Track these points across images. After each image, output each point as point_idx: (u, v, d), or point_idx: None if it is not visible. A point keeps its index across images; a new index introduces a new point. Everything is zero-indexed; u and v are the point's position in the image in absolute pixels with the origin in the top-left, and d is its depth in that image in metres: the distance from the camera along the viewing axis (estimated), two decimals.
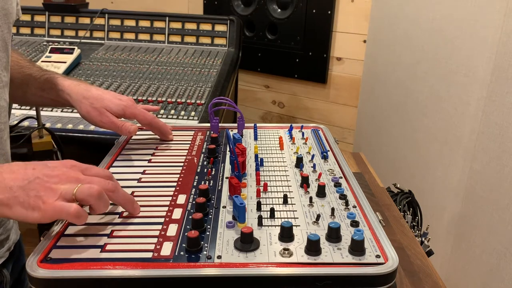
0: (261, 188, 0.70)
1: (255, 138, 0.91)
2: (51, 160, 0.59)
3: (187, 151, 0.84)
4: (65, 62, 1.55)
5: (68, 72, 1.55)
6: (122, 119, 0.86)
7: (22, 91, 0.83)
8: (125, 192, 0.61)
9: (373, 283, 0.52)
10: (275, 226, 0.60)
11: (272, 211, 0.63)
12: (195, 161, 0.80)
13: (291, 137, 0.92)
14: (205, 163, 0.79)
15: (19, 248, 0.82)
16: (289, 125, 0.97)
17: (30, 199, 0.53)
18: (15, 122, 1.19)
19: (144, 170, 0.76)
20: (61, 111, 1.30)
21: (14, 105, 1.27)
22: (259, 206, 0.64)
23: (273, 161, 0.80)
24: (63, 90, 0.82)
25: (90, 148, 1.19)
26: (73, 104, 0.83)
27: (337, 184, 0.72)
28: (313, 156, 0.82)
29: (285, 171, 0.77)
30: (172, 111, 1.32)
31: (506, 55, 1.14)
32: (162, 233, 0.58)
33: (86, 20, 1.88)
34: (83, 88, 0.83)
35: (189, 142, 0.89)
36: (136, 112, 0.85)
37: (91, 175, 0.59)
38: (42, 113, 1.16)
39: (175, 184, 0.71)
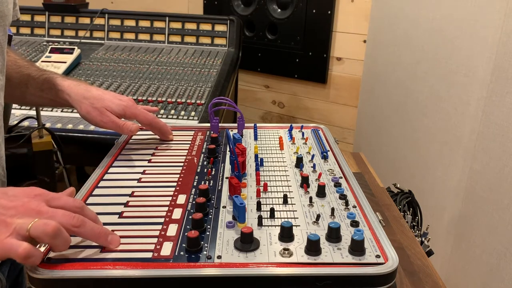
0: (261, 188, 0.70)
1: (255, 138, 0.91)
2: (13, 187, 0.53)
3: (187, 151, 0.84)
4: (65, 62, 1.55)
5: (68, 72, 1.55)
6: (122, 119, 0.85)
7: (21, 91, 0.82)
8: (94, 225, 0.54)
9: (373, 283, 0.52)
10: (275, 226, 0.60)
11: (272, 211, 0.63)
12: (195, 161, 0.80)
13: (291, 137, 0.92)
14: (205, 163, 0.79)
15: None
16: (289, 125, 0.97)
17: None
18: (15, 122, 1.19)
19: (144, 170, 0.76)
20: (61, 111, 1.30)
21: (14, 105, 1.27)
22: (259, 206, 0.64)
23: (273, 161, 0.80)
24: (63, 90, 0.82)
25: (90, 148, 1.19)
26: (73, 104, 0.83)
27: (337, 184, 0.72)
28: (313, 156, 0.82)
29: (285, 171, 0.77)
30: (172, 111, 1.32)
31: (506, 55, 1.14)
32: (162, 233, 0.58)
33: (86, 20, 1.88)
34: (83, 88, 0.83)
35: (189, 142, 0.89)
36: (136, 112, 0.85)
37: (57, 207, 0.52)
38: (42, 113, 1.16)
39: (175, 184, 0.71)
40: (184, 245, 0.55)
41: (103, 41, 1.86)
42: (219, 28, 1.85)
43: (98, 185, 0.70)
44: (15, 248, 0.46)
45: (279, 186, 0.71)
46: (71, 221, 0.51)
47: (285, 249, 0.55)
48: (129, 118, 0.85)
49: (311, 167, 0.78)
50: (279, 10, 2.24)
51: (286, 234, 0.57)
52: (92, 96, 0.82)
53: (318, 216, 0.62)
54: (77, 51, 1.62)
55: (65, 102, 0.84)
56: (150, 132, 0.90)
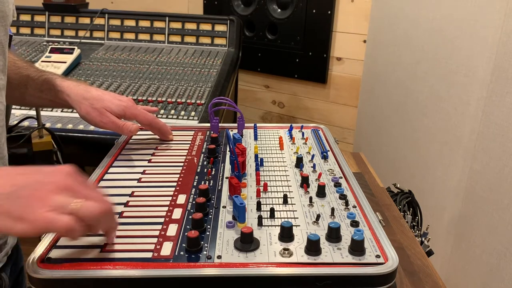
0: (261, 188, 0.70)
1: (255, 138, 0.91)
2: (47, 166, 0.53)
3: (187, 151, 0.84)
4: (65, 62, 1.55)
5: (68, 72, 1.55)
6: (122, 119, 0.85)
7: (20, 92, 0.82)
8: (116, 218, 0.56)
9: (373, 283, 0.52)
10: (275, 226, 0.60)
11: (272, 211, 0.63)
12: (195, 161, 0.80)
13: (291, 137, 0.92)
14: (205, 163, 0.79)
15: (16, 251, 0.82)
16: (289, 125, 0.97)
17: (16, 209, 0.47)
18: (15, 122, 1.19)
19: (144, 170, 0.76)
20: (61, 111, 1.30)
21: (14, 105, 1.27)
22: (259, 206, 0.64)
23: (273, 161, 0.80)
24: (62, 91, 0.82)
25: (90, 148, 1.19)
26: (73, 104, 0.83)
27: (337, 184, 0.72)
28: (313, 156, 0.82)
29: (285, 171, 0.77)
30: (172, 111, 1.32)
31: (506, 55, 1.14)
32: (162, 233, 0.58)
33: (86, 20, 1.88)
34: (82, 88, 0.83)
35: (189, 142, 0.89)
36: (136, 113, 0.85)
37: (89, 189, 0.52)
38: (42, 113, 1.16)
39: (175, 184, 0.71)
40: (184, 245, 0.55)
41: (103, 41, 1.86)
42: (219, 28, 1.84)
43: (98, 185, 0.70)
44: (57, 221, 0.47)
45: (279, 186, 0.71)
46: (107, 206, 0.52)
47: (285, 249, 0.55)
48: (129, 118, 0.85)
49: (311, 167, 0.78)
50: (279, 10, 2.24)
51: (286, 234, 0.57)
52: (92, 97, 0.82)
53: (318, 216, 0.62)
54: (77, 51, 1.62)
55: (64, 103, 0.84)
56: (150, 132, 0.90)
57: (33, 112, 1.18)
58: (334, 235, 0.57)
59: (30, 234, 0.47)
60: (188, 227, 0.59)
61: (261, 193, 0.69)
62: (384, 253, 0.55)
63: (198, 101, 1.38)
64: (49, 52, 1.61)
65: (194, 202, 0.65)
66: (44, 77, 0.83)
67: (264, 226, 0.60)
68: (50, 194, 0.48)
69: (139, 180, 0.73)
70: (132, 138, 0.90)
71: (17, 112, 1.27)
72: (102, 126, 0.83)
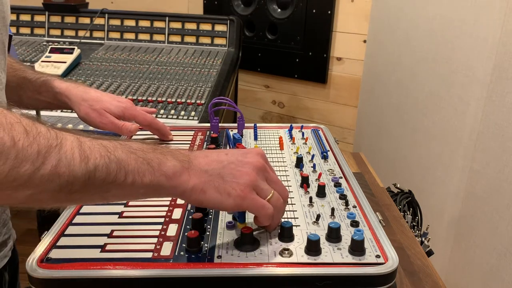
0: None
1: (255, 138, 0.91)
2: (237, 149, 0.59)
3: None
4: (65, 62, 1.55)
5: (68, 72, 1.55)
6: (121, 120, 0.86)
7: (18, 95, 0.83)
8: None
9: (373, 283, 0.52)
10: None
11: None
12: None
13: (291, 137, 0.92)
14: None
15: (14, 248, 0.83)
16: (289, 125, 0.97)
17: (226, 184, 0.51)
18: None
19: None
20: (61, 111, 1.29)
21: None
22: None
23: (273, 161, 0.80)
24: (61, 92, 0.82)
25: None
26: (72, 106, 0.83)
27: (337, 184, 0.71)
28: (313, 156, 0.82)
29: (285, 171, 0.77)
30: (172, 111, 1.32)
31: (506, 55, 1.14)
32: (162, 233, 0.58)
33: (86, 20, 1.88)
34: (81, 90, 0.83)
35: (189, 142, 0.89)
36: (135, 114, 0.85)
37: (273, 172, 0.58)
38: (42, 113, 1.16)
39: None
40: (184, 245, 0.55)
41: (103, 41, 1.86)
42: (219, 28, 1.84)
43: None
44: (267, 208, 0.53)
45: None
46: (287, 197, 0.58)
47: (285, 249, 0.55)
48: (128, 119, 0.85)
49: (311, 167, 0.78)
50: (279, 10, 2.24)
51: (286, 234, 0.57)
52: (91, 98, 0.83)
53: (318, 216, 0.62)
54: (77, 51, 1.62)
55: (63, 104, 0.84)
56: (150, 132, 0.90)
57: (33, 112, 1.18)
58: (334, 235, 0.57)
59: (237, 209, 0.53)
60: (188, 227, 0.59)
61: None
62: (384, 253, 0.55)
63: (198, 101, 1.38)
64: (49, 52, 1.61)
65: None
66: (42, 79, 0.83)
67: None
68: (253, 172, 0.53)
69: None
70: (132, 138, 0.90)
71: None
72: (102, 127, 0.83)
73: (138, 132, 0.92)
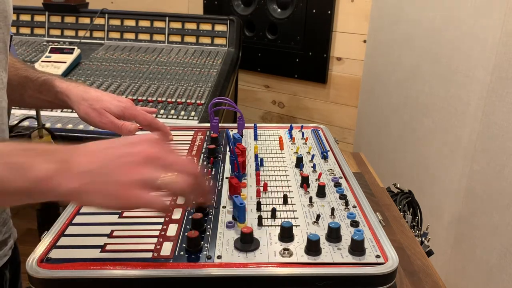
0: (261, 188, 0.70)
1: (255, 138, 0.91)
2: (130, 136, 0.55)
3: (187, 151, 0.84)
4: (65, 62, 1.55)
5: (68, 72, 1.55)
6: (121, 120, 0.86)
7: (19, 94, 0.83)
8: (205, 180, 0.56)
9: (373, 283, 0.52)
10: (275, 226, 0.60)
11: (273, 211, 0.63)
12: (195, 161, 0.80)
13: (291, 137, 0.92)
14: (205, 163, 0.79)
15: (15, 247, 0.83)
16: (289, 125, 0.97)
17: (109, 186, 0.47)
18: (15, 122, 1.19)
19: None
20: (61, 111, 1.30)
21: (14, 106, 1.27)
22: (259, 206, 0.64)
23: (273, 161, 0.80)
24: (62, 91, 0.83)
25: None
26: (72, 105, 0.83)
27: (337, 184, 0.71)
28: (313, 156, 0.82)
29: (285, 171, 0.77)
30: (172, 111, 1.32)
31: (506, 55, 1.14)
32: (162, 233, 0.58)
33: (86, 20, 1.88)
34: (81, 89, 0.84)
35: (189, 142, 0.89)
36: (135, 113, 0.85)
37: (176, 156, 0.52)
38: (42, 113, 1.16)
39: None
40: (184, 245, 0.55)
41: (103, 41, 1.86)
42: (219, 28, 1.84)
43: None
44: (155, 202, 0.48)
45: (279, 186, 0.71)
46: (197, 174, 0.51)
47: (285, 249, 0.55)
48: (128, 119, 0.86)
49: (311, 167, 0.78)
50: (279, 10, 2.24)
51: (286, 234, 0.57)
52: (91, 98, 0.83)
53: (318, 216, 0.62)
54: (77, 51, 1.62)
55: (64, 104, 0.84)
56: (150, 132, 0.91)
57: (33, 112, 1.18)
58: (334, 235, 0.57)
59: (124, 209, 0.49)
60: (188, 227, 0.59)
61: (261, 193, 0.69)
62: (384, 253, 0.55)
63: (198, 101, 1.38)
64: (49, 52, 1.61)
65: (194, 202, 0.65)
66: (43, 78, 0.83)
67: (264, 226, 0.60)
68: (140, 167, 0.48)
69: None
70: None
71: (17, 112, 1.27)
72: (101, 126, 0.83)
73: (138, 132, 0.92)
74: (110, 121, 0.83)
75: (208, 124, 0.96)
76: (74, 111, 0.85)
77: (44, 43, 1.83)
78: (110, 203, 0.47)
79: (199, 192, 0.53)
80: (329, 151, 0.85)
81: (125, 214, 0.63)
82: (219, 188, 0.70)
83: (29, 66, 0.86)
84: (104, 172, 0.47)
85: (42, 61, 1.56)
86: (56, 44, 1.81)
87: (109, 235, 0.57)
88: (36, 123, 1.15)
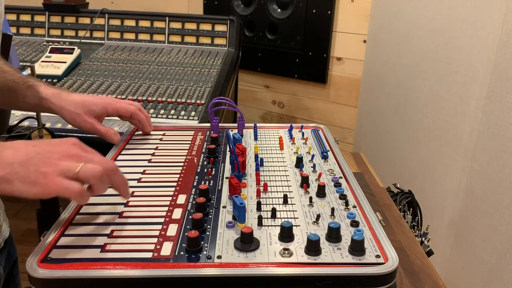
0: (261, 188, 0.70)
1: (255, 138, 0.91)
2: (54, 138, 0.63)
3: (187, 151, 0.84)
4: (65, 62, 1.55)
5: (68, 72, 1.55)
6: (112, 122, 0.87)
7: (4, 97, 0.84)
8: (122, 175, 0.62)
9: (373, 283, 0.52)
10: (275, 226, 0.60)
11: (273, 211, 0.63)
12: (195, 161, 0.80)
13: (291, 137, 0.92)
14: (205, 163, 0.79)
15: (10, 244, 0.84)
16: (289, 125, 0.97)
17: (30, 174, 0.54)
18: (15, 122, 1.19)
19: (144, 170, 0.76)
20: None
21: None
22: (259, 206, 0.64)
23: (273, 161, 0.80)
24: (47, 98, 0.84)
25: None
26: (57, 111, 0.85)
27: (337, 184, 0.72)
28: (313, 156, 0.82)
29: (285, 171, 0.77)
30: (172, 111, 1.32)
31: (506, 55, 1.14)
32: (162, 233, 0.58)
33: (86, 20, 1.88)
34: (64, 96, 0.86)
35: (189, 142, 0.89)
36: (117, 107, 0.87)
37: (92, 155, 0.60)
38: (42, 113, 1.16)
39: (175, 184, 0.71)
40: (184, 245, 0.55)
41: (103, 41, 1.86)
42: (219, 28, 1.85)
43: None
44: (71, 188, 0.54)
45: (279, 186, 0.71)
46: (108, 165, 0.59)
47: (285, 249, 0.55)
48: (112, 114, 0.87)
49: (311, 167, 0.78)
50: (279, 10, 2.24)
51: (286, 234, 0.57)
52: (74, 103, 0.84)
53: (318, 216, 0.62)
54: (77, 51, 1.62)
55: (48, 110, 0.86)
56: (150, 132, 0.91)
57: (33, 112, 1.18)
58: (334, 235, 0.57)
59: (43, 196, 0.54)
60: (188, 227, 0.59)
61: (261, 193, 0.69)
62: (384, 253, 0.55)
63: (198, 101, 1.38)
64: (49, 52, 1.61)
65: (194, 202, 0.65)
66: (29, 83, 0.84)
67: (264, 226, 0.60)
68: (59, 161, 0.55)
69: (139, 180, 0.73)
70: (132, 138, 0.90)
71: (17, 112, 1.27)
72: (87, 131, 0.85)
73: (139, 132, 0.93)
74: (93, 128, 0.85)
75: (208, 124, 0.96)
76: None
77: (44, 43, 1.83)
78: (31, 190, 0.53)
79: (114, 183, 0.60)
80: (329, 151, 0.85)
81: (125, 214, 0.63)
82: (219, 188, 0.70)
83: (16, 70, 0.87)
84: (26, 164, 0.54)
85: (42, 61, 1.56)
86: (56, 44, 1.81)
87: (109, 235, 0.57)
88: (36, 123, 1.15)
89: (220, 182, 0.72)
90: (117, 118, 0.90)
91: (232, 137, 0.84)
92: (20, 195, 0.54)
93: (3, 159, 0.54)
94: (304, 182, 0.71)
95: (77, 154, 0.58)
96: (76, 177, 0.55)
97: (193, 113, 1.31)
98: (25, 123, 1.19)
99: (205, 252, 0.54)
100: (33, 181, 0.53)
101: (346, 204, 0.66)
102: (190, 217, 0.60)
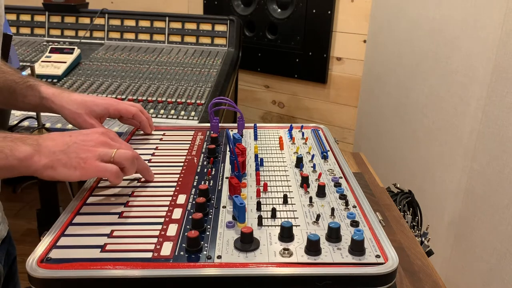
0: (261, 188, 0.70)
1: (255, 138, 0.91)
2: (83, 129, 0.70)
3: (187, 151, 0.84)
4: (65, 62, 1.55)
5: (68, 72, 1.55)
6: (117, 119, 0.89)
7: (3, 97, 0.84)
8: (144, 161, 0.70)
9: (373, 283, 0.52)
10: (275, 226, 0.60)
11: (273, 211, 0.63)
12: (195, 161, 0.80)
13: (291, 137, 0.92)
14: (205, 163, 0.79)
15: (8, 242, 0.84)
16: (289, 125, 0.97)
17: (71, 160, 0.61)
18: (15, 122, 1.19)
19: None
20: None
21: None
22: (259, 206, 0.64)
23: (273, 161, 0.80)
24: (47, 98, 0.84)
25: None
26: (58, 111, 0.85)
27: (337, 184, 0.71)
28: (313, 156, 0.82)
29: (285, 171, 0.77)
30: (172, 111, 1.32)
31: (506, 55, 1.14)
32: (162, 233, 0.58)
33: (86, 20, 1.88)
34: (66, 96, 0.85)
35: (189, 142, 0.89)
36: (119, 108, 0.87)
37: (119, 142, 0.68)
38: (42, 113, 1.16)
39: (175, 184, 0.71)
40: (184, 245, 0.55)
41: (103, 41, 1.86)
42: (219, 28, 1.85)
43: (98, 185, 0.70)
44: (110, 169, 0.63)
45: (279, 186, 0.71)
46: (134, 153, 0.67)
47: (285, 249, 0.55)
48: (114, 115, 0.88)
49: (311, 167, 0.78)
50: (279, 10, 2.24)
51: (286, 234, 0.57)
52: (75, 103, 0.84)
53: (318, 216, 0.62)
54: (77, 51, 1.62)
55: (49, 109, 0.86)
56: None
57: (33, 112, 1.18)
58: (334, 235, 0.57)
59: (84, 178, 0.62)
60: (188, 227, 0.59)
61: (261, 193, 0.69)
62: (384, 253, 0.55)
63: (198, 101, 1.38)
64: (49, 52, 1.61)
65: (194, 202, 0.65)
66: (29, 83, 0.84)
67: (264, 226, 0.60)
68: (94, 147, 0.64)
69: (139, 180, 0.73)
70: (132, 138, 0.90)
71: (17, 112, 1.27)
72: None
73: (138, 132, 0.93)
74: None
75: (208, 124, 0.96)
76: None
77: (44, 43, 1.83)
78: (73, 173, 0.61)
79: (139, 167, 0.68)
80: (329, 151, 0.85)
81: (125, 214, 0.63)
82: (219, 188, 0.70)
83: (16, 70, 0.87)
84: (67, 151, 0.62)
85: (42, 61, 1.56)
86: (56, 44, 1.81)
87: (109, 235, 0.57)
88: (36, 123, 1.15)
89: (220, 182, 0.72)
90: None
91: (232, 137, 0.84)
92: (64, 179, 0.62)
93: (46, 149, 0.61)
94: (304, 182, 0.71)
95: (107, 141, 0.66)
96: (111, 161, 0.63)
97: (193, 113, 1.31)
98: (25, 123, 1.19)
99: (205, 252, 0.54)
100: (75, 166, 0.61)
101: (346, 204, 0.66)
102: (190, 217, 0.60)
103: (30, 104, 0.85)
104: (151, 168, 0.77)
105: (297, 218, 0.62)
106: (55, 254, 0.54)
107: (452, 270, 1.41)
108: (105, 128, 0.69)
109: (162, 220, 0.61)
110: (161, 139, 0.90)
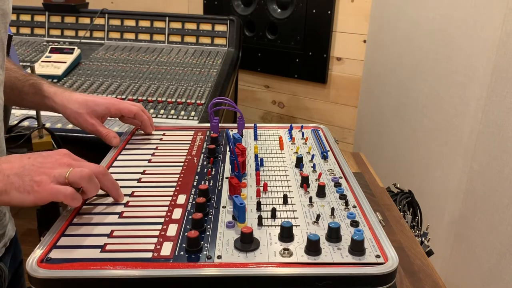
0: (261, 188, 0.70)
1: (255, 138, 0.91)
2: (45, 151, 0.65)
3: (187, 151, 0.84)
4: (65, 62, 1.55)
5: (68, 72, 1.55)
6: (117, 119, 0.88)
7: (6, 94, 0.84)
8: (112, 178, 0.65)
9: (373, 283, 0.52)
10: (275, 226, 0.60)
11: (273, 211, 0.63)
12: (195, 161, 0.80)
13: (291, 137, 0.92)
14: (205, 163, 0.79)
15: (15, 244, 0.84)
16: (289, 125, 0.97)
17: (25, 184, 0.57)
18: (15, 122, 1.19)
19: (144, 170, 0.76)
20: None
21: (14, 105, 1.27)
22: (259, 206, 0.64)
23: (273, 161, 0.80)
24: (49, 96, 0.84)
25: (90, 148, 1.19)
26: (59, 110, 0.85)
27: (337, 184, 0.72)
28: (313, 156, 0.82)
29: (285, 171, 0.77)
30: (172, 111, 1.32)
31: (506, 55, 1.14)
32: (162, 233, 0.58)
33: (86, 20, 1.88)
34: (67, 95, 0.85)
35: (189, 142, 0.89)
36: (120, 108, 0.87)
37: (83, 162, 0.64)
38: (42, 113, 1.16)
39: (175, 184, 0.71)
40: (184, 245, 0.55)
41: (103, 41, 1.86)
42: (219, 28, 1.84)
43: None
44: (63, 191, 0.57)
45: (279, 186, 0.71)
46: (97, 169, 0.62)
47: (285, 249, 0.55)
48: (115, 115, 0.88)
49: (311, 167, 0.78)
50: (279, 10, 2.24)
51: (286, 234, 0.57)
52: (77, 102, 0.84)
53: (318, 216, 0.62)
54: (77, 51, 1.62)
55: (50, 108, 0.86)
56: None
57: (33, 112, 1.18)
58: (334, 235, 0.57)
59: (39, 202, 0.57)
60: (188, 227, 0.59)
61: (261, 193, 0.69)
62: (384, 253, 0.55)
63: (198, 101, 1.38)
64: (49, 52, 1.61)
65: (194, 202, 0.65)
66: (32, 81, 0.84)
67: (264, 226, 0.60)
68: (51, 169, 0.59)
69: (139, 180, 0.73)
70: (132, 138, 0.90)
71: (17, 112, 1.27)
72: (88, 131, 0.85)
73: (138, 132, 0.93)
74: (95, 128, 0.85)
75: (208, 124, 0.96)
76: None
77: (44, 43, 1.83)
78: (26, 198, 0.57)
79: (106, 184, 0.63)
80: (329, 151, 0.85)
81: (125, 214, 0.63)
82: (219, 188, 0.70)
83: (19, 68, 0.87)
84: (21, 174, 0.58)
85: (42, 61, 1.56)
86: (56, 44, 1.81)
87: (109, 235, 0.58)
88: (36, 123, 1.15)
89: (220, 182, 0.72)
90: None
91: (232, 137, 0.84)
92: (17, 204, 0.57)
93: (1, 172, 0.57)
94: (304, 182, 0.71)
95: (68, 162, 0.61)
96: (67, 182, 0.58)
97: (193, 113, 1.31)
98: (25, 123, 1.19)
99: (205, 252, 0.54)
100: (28, 190, 0.57)
101: (346, 204, 0.66)
102: (190, 217, 0.60)
103: (31, 101, 0.85)
104: (151, 168, 0.77)
105: (297, 218, 0.62)
106: (55, 254, 0.54)
107: (452, 270, 1.41)
108: (68, 151, 0.64)
109: (162, 220, 0.61)
110: (161, 139, 0.90)
